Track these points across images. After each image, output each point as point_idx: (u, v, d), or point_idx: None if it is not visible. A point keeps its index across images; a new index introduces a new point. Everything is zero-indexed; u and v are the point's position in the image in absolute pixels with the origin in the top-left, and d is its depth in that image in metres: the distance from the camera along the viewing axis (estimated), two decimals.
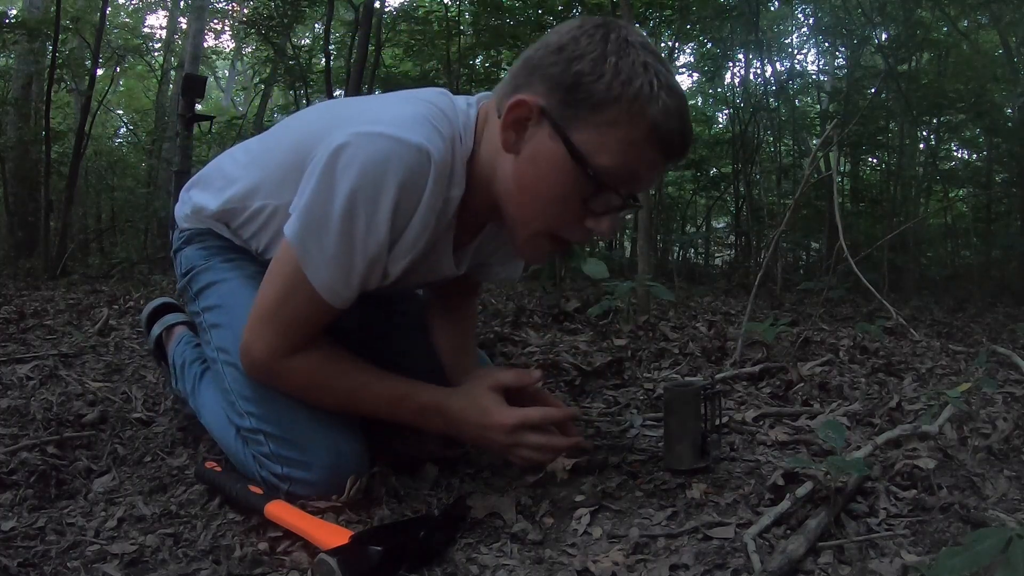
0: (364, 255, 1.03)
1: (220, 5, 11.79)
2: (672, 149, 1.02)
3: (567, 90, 0.98)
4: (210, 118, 8.04)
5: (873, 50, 9.06)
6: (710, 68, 10.69)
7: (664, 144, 1.00)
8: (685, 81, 12.31)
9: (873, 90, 8.54)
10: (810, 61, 12.47)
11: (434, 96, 1.10)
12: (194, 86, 7.38)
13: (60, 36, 6.95)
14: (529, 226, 1.06)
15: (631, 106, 0.97)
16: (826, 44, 11.38)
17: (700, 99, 13.96)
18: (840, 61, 11.31)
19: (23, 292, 4.39)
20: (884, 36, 8.53)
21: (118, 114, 15.27)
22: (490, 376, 1.18)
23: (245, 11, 10.26)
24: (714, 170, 10.33)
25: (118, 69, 12.46)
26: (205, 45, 12.02)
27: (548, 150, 0.99)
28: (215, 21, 12.53)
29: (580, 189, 1.00)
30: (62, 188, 7.50)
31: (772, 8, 10.75)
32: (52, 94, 7.06)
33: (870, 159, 10.94)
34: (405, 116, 1.02)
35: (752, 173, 9.61)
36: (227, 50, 16.26)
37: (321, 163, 1.00)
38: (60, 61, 7.51)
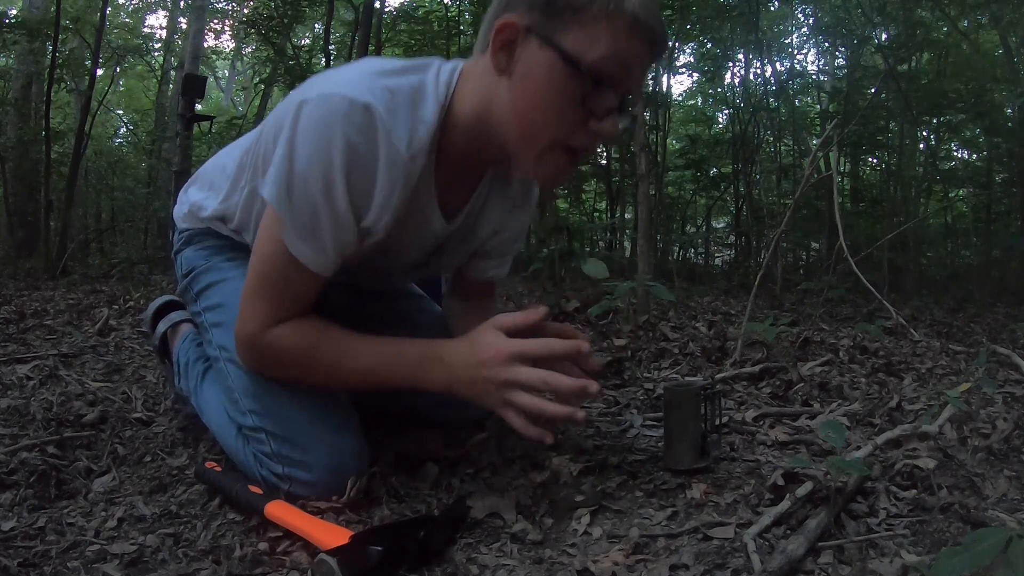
0: (329, 214, 1.04)
1: (220, 5, 11.79)
2: (654, 39, 1.04)
3: (545, 4, 1.01)
4: (210, 118, 8.04)
5: (873, 50, 9.06)
6: (710, 68, 10.68)
7: (646, 34, 1.03)
8: (685, 81, 12.27)
9: (873, 90, 8.53)
10: (810, 61, 12.47)
11: (398, 59, 1.13)
12: (194, 86, 7.38)
13: (60, 36, 6.95)
14: (536, 140, 1.06)
15: (608, 2, 1.00)
16: (826, 44, 11.38)
17: (700, 99, 13.97)
18: (840, 61, 11.32)
19: (23, 292, 4.39)
20: (884, 36, 8.53)
21: (118, 114, 15.27)
22: (492, 321, 1.11)
23: (245, 11, 10.26)
24: (714, 170, 10.31)
25: (118, 69, 12.48)
26: (205, 45, 12.01)
27: (540, 60, 1.02)
28: (215, 21, 12.53)
29: (578, 90, 1.01)
30: (62, 188, 7.50)
31: (772, 8, 10.75)
32: (52, 94, 7.05)
33: (870, 159, 10.94)
34: (354, 75, 1.05)
35: (752, 173, 9.61)
36: (227, 50, 16.27)
37: (286, 127, 1.03)
38: (60, 61, 7.51)
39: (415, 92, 1.07)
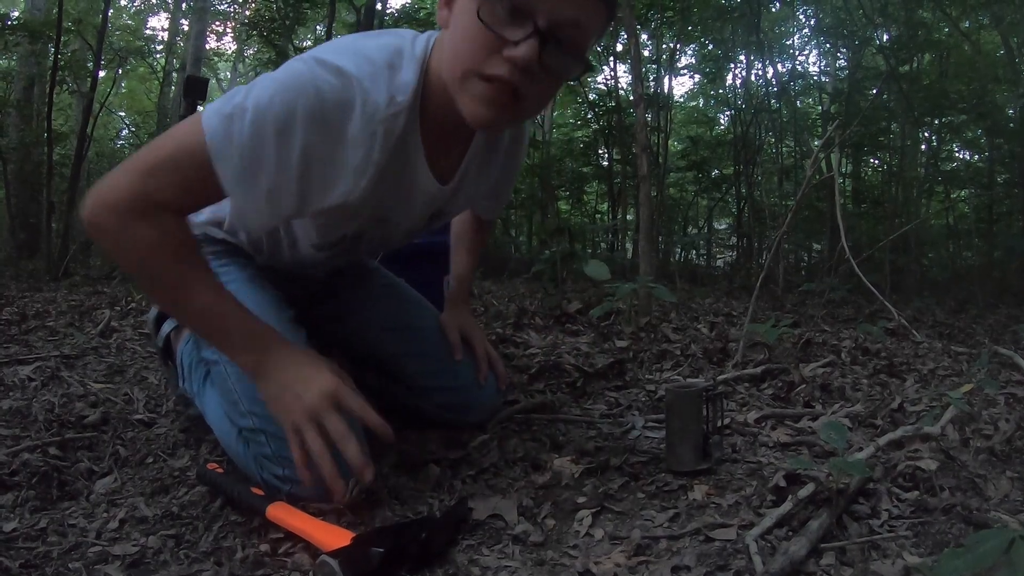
0: (275, 160, 1.01)
1: (222, 7, 11.81)
2: None
3: None
4: None
5: (874, 51, 9.06)
6: (711, 69, 10.69)
7: None
8: (687, 83, 12.29)
9: (875, 91, 8.53)
10: (811, 62, 12.43)
11: (387, 31, 1.16)
12: (196, 88, 7.33)
13: (62, 38, 6.97)
14: (454, 72, 1.04)
15: None
16: (827, 45, 11.37)
17: (702, 101, 13.98)
18: (841, 62, 11.31)
19: (25, 294, 4.39)
20: (886, 37, 8.53)
21: (120, 116, 15.29)
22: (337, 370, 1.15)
23: (247, 13, 10.27)
24: (716, 171, 10.32)
25: (120, 71, 12.48)
26: (207, 47, 12.04)
27: (464, 3, 1.02)
28: (217, 23, 12.55)
29: (487, 18, 0.98)
30: (64, 190, 7.51)
31: (773, 9, 10.75)
32: (54, 96, 7.06)
33: (872, 160, 10.93)
34: (339, 46, 1.07)
35: (754, 174, 9.61)
36: (229, 52, 16.28)
37: (257, 79, 1.04)
38: (62, 63, 7.52)
39: (393, 58, 1.08)
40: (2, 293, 4.31)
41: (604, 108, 9.43)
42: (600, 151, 10.07)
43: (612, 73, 9.58)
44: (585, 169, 10.30)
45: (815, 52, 12.30)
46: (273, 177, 1.03)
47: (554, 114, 11.19)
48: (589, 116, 10.03)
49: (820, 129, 10.12)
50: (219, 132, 1.00)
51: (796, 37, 12.03)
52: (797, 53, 11.99)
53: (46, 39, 7.57)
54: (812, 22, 11.19)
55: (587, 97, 9.92)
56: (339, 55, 1.04)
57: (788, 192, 9.19)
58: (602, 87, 10.04)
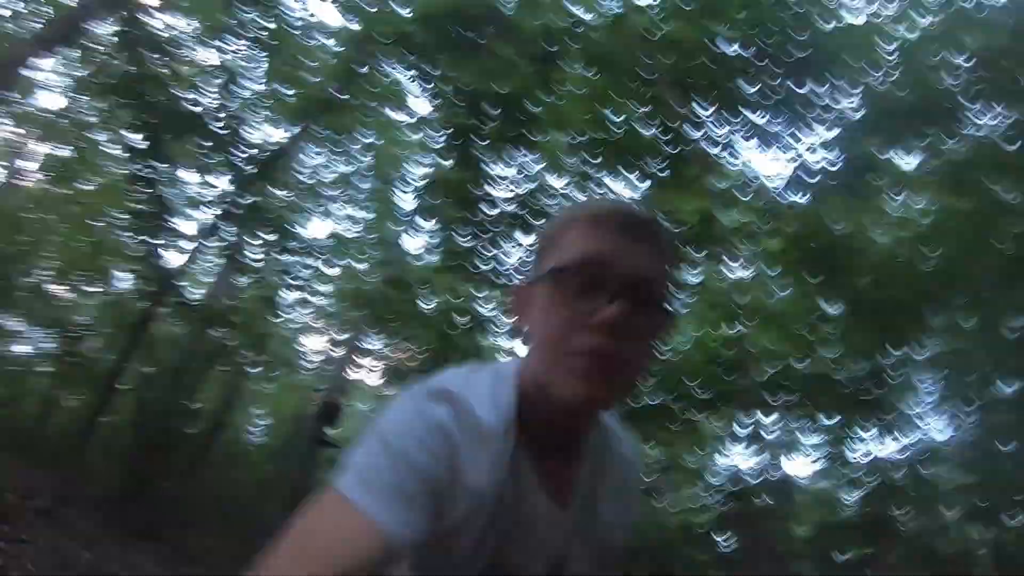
0: (410, 472, 0.99)
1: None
2: (621, 220, 1.08)
3: (537, 251, 1.14)
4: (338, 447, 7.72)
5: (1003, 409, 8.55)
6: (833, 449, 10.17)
7: (610, 220, 1.08)
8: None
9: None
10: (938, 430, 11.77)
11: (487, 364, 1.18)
12: (328, 412, 7.65)
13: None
14: (543, 358, 1.07)
15: (564, 224, 1.12)
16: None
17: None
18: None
19: None
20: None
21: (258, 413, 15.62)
22: None
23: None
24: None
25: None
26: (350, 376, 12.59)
27: (536, 294, 1.09)
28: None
29: (561, 295, 1.05)
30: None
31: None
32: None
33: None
34: (445, 376, 1.12)
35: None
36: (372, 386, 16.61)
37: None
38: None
39: (494, 377, 1.12)
40: None
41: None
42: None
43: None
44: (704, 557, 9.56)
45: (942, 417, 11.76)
46: (416, 484, 0.99)
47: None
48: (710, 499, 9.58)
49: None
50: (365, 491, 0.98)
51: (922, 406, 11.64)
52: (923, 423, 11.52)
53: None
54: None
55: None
56: (445, 381, 1.09)
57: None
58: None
